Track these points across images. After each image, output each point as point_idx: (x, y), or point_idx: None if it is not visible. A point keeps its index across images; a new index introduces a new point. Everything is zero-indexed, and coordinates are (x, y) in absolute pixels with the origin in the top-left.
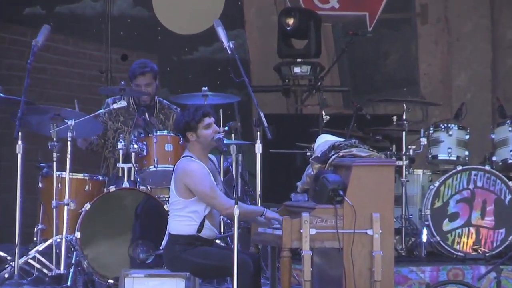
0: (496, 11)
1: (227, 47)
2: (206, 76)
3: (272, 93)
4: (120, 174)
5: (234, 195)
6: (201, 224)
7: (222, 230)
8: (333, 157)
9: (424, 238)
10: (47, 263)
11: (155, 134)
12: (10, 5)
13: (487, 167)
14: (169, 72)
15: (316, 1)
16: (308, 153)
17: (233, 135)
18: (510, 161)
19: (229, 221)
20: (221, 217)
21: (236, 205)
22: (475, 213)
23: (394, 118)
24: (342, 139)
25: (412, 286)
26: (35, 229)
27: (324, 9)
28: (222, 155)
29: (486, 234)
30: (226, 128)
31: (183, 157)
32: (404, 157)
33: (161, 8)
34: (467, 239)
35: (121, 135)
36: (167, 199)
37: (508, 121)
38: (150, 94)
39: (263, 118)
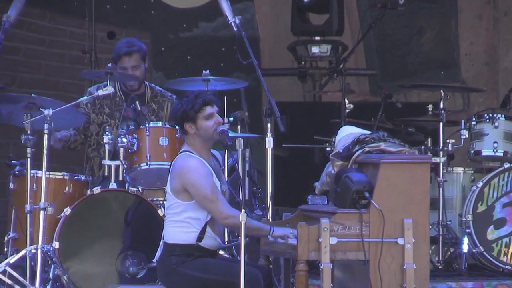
0: None
1: (232, 23)
2: (207, 58)
3: (285, 78)
4: (106, 174)
5: (241, 197)
6: (202, 232)
7: (226, 239)
8: (357, 153)
9: (465, 248)
10: (20, 278)
11: (147, 126)
12: None
13: None
14: (164, 53)
15: None
16: (328, 148)
17: (239, 127)
18: None
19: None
20: None
21: (243, 210)
22: None
23: (430, 106)
24: (368, 132)
25: None
26: (6, 238)
27: None
28: (226, 151)
29: None
30: (231, 118)
31: (181, 152)
32: (441, 153)
33: None
34: None
35: (107, 128)
36: (162, 202)
37: None
38: (138, 78)
39: (275, 107)
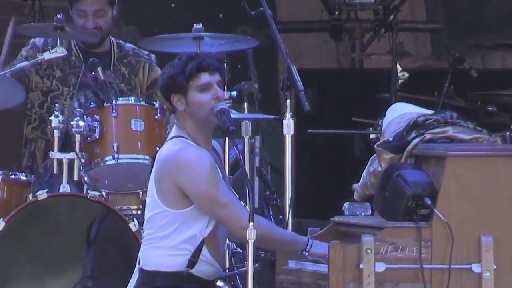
0: None
1: None
2: (200, 6)
3: (312, 34)
4: (56, 171)
5: (248, 205)
6: (196, 254)
7: (227, 265)
8: (414, 142)
9: None
10: None
11: (114, 103)
12: None
13: None
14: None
15: None
16: (372, 135)
17: (245, 104)
18: None
19: (240, 250)
20: (228, 243)
21: (251, 224)
22: None
23: None
24: (430, 112)
25: None
26: None
27: None
28: (227, 139)
29: None
30: (234, 93)
31: (171, 138)
32: None
33: None
34: None
35: (56, 105)
36: (136, 212)
37: None
38: (101, 29)
39: (297, 77)
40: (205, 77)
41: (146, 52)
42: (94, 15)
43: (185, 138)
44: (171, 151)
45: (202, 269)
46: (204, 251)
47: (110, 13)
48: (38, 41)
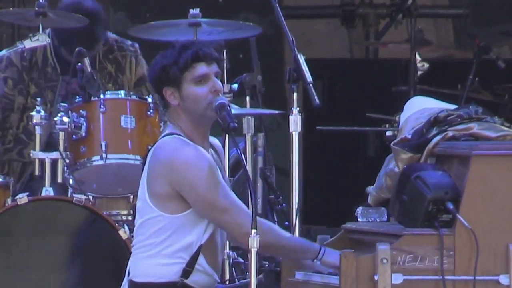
0: None
1: None
2: None
3: (322, 21)
4: (37, 173)
5: (250, 209)
6: (191, 263)
7: (228, 277)
8: (435, 140)
9: None
10: None
11: (102, 97)
12: None
13: None
14: None
15: None
16: (388, 133)
17: (247, 98)
18: None
19: (242, 260)
20: (229, 252)
21: (253, 231)
22: None
23: None
24: (453, 106)
25: None
26: None
27: None
28: (227, 137)
29: None
30: (235, 85)
31: (165, 136)
32: None
33: None
34: None
35: (38, 99)
36: (125, 218)
37: None
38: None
39: (305, 68)
40: (201, 68)
41: (130, 42)
42: None
43: (180, 135)
44: (166, 150)
45: (197, 279)
46: (201, 259)
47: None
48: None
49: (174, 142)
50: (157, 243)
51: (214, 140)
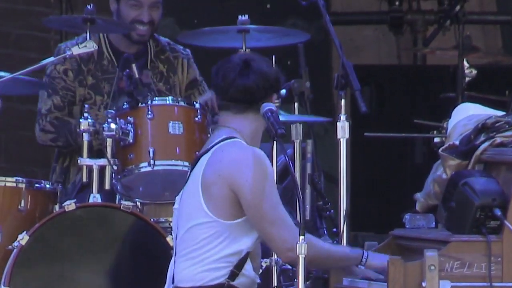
0: None
1: None
2: None
3: (369, 27)
4: (85, 179)
5: (298, 216)
6: (239, 265)
7: (275, 284)
8: (483, 146)
9: None
10: None
11: (149, 103)
12: None
13: None
14: None
15: None
16: (436, 139)
17: (296, 105)
18: None
19: (290, 267)
20: (275, 258)
21: (301, 238)
22: None
23: None
24: (501, 113)
25: None
26: None
27: None
28: (275, 143)
29: None
30: (283, 91)
31: (225, 139)
32: None
33: None
34: None
35: (86, 105)
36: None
37: None
38: (154, 23)
39: (353, 74)
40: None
41: (182, 47)
42: (150, 7)
43: (241, 140)
44: (232, 151)
45: (243, 281)
46: (248, 263)
47: (161, 6)
48: (66, 45)
49: (241, 144)
50: (208, 249)
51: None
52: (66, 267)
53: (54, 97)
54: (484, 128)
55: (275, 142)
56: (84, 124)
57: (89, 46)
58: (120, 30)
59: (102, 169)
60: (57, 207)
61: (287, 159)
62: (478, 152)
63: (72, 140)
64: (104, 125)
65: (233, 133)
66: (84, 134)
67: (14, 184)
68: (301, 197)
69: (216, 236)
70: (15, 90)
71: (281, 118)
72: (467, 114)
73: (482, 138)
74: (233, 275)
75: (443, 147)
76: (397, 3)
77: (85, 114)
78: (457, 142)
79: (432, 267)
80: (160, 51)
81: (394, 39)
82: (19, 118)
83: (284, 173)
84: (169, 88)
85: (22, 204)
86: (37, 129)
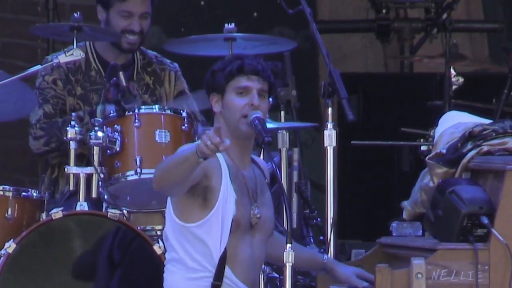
0: None
1: None
2: (232, 4)
3: (356, 35)
4: (72, 188)
5: (285, 224)
6: (218, 276)
7: None
8: (470, 154)
9: None
10: None
11: (136, 111)
12: None
13: None
14: None
15: None
16: (423, 147)
17: (282, 113)
18: None
19: (277, 275)
20: (263, 267)
21: (288, 246)
22: None
23: None
24: (488, 121)
25: None
26: None
27: None
28: (262, 151)
29: None
30: (270, 99)
31: None
32: None
33: None
34: None
35: (73, 114)
36: (160, 233)
37: None
38: (142, 33)
39: (340, 82)
40: (244, 81)
41: (169, 61)
42: (140, 17)
43: None
44: None
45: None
46: (228, 272)
47: (150, 16)
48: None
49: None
50: (180, 256)
51: (258, 158)
52: (53, 275)
53: (45, 105)
54: (471, 136)
55: (262, 150)
56: (71, 132)
57: (76, 54)
58: (107, 38)
59: (89, 177)
60: (44, 215)
61: (274, 167)
62: (465, 160)
63: (63, 137)
64: (91, 133)
65: None
66: (71, 142)
67: (1, 193)
68: (288, 205)
69: (182, 239)
70: None
71: (268, 125)
72: (454, 122)
73: (469, 146)
74: (215, 287)
75: (430, 155)
76: (384, 11)
77: (72, 122)
78: (444, 150)
79: (419, 275)
80: (147, 63)
81: (381, 47)
82: (6, 126)
83: (271, 181)
84: (155, 100)
85: (9, 212)
86: (30, 140)
